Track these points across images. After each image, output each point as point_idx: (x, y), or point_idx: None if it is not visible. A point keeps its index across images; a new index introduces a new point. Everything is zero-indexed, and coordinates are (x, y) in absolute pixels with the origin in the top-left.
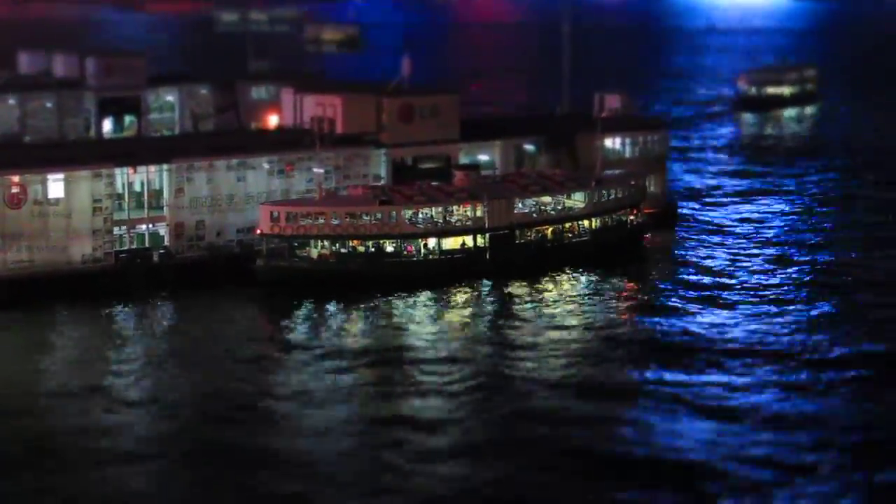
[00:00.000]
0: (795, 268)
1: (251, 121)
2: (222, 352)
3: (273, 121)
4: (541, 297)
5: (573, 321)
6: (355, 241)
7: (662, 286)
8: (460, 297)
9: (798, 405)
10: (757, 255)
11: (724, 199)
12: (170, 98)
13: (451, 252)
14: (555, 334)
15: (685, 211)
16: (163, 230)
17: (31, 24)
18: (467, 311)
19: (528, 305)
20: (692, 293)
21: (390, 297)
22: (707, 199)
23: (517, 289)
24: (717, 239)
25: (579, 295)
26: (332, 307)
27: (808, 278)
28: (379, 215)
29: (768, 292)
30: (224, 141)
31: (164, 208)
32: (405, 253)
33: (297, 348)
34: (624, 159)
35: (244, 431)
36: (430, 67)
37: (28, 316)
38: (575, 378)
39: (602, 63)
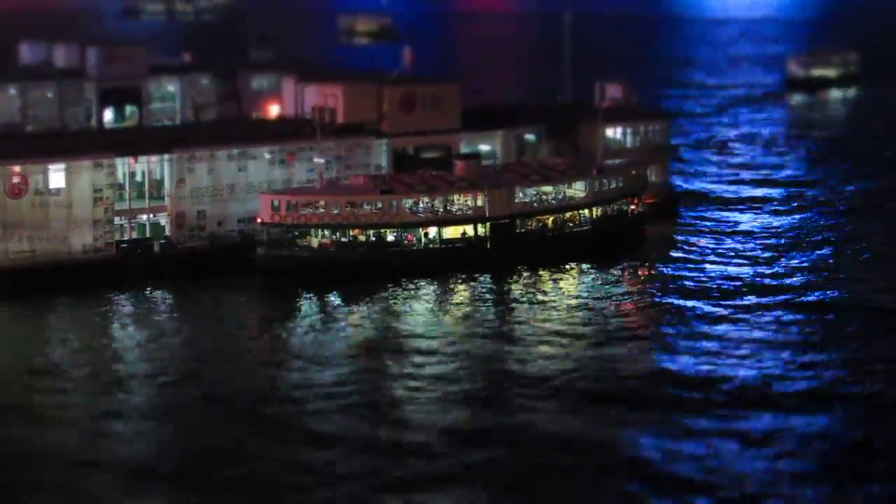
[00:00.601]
0: (797, 262)
1: (252, 110)
2: (223, 341)
3: (274, 110)
4: (541, 286)
5: (573, 311)
6: (356, 231)
7: (662, 276)
8: (460, 287)
9: (798, 410)
10: (761, 248)
11: (738, 189)
12: (171, 88)
13: (452, 241)
14: (555, 325)
15: (704, 199)
16: (164, 220)
17: (32, 14)
18: (467, 301)
19: (529, 295)
20: (692, 284)
21: (391, 287)
22: (722, 189)
23: (517, 278)
24: (720, 229)
25: (579, 284)
26: (332, 296)
27: (811, 273)
28: (380, 204)
29: (770, 284)
30: (225, 131)
31: (166, 198)
32: (406, 242)
33: (297, 338)
34: (625, 149)
35: (245, 423)
36: (430, 57)
37: (29, 306)
38: (574, 370)
39: (608, 53)
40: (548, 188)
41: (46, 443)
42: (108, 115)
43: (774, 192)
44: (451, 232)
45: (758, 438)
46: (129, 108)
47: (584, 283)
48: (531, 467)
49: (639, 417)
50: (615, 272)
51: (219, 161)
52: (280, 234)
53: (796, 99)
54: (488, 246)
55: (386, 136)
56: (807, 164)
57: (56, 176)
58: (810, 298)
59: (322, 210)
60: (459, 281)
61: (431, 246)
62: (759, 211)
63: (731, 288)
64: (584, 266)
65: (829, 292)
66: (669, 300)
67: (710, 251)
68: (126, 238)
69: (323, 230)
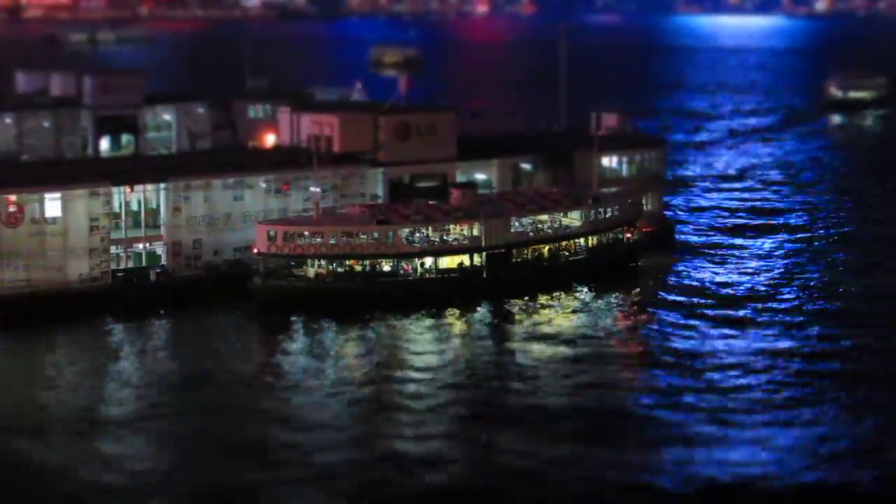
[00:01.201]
0: (794, 291)
1: (248, 139)
2: (218, 371)
3: (270, 139)
4: (537, 315)
5: (569, 341)
6: (352, 261)
7: (657, 305)
8: (457, 317)
9: (795, 423)
10: (758, 274)
11: (735, 217)
12: (167, 117)
13: (448, 271)
14: (551, 353)
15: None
16: (160, 249)
17: (29, 43)
18: (463, 331)
19: (525, 324)
20: (688, 312)
21: (387, 316)
22: (717, 217)
23: (513, 308)
24: (715, 257)
25: (575, 314)
26: (328, 326)
27: (807, 299)
28: (376, 234)
29: (767, 309)
30: (221, 159)
31: (161, 227)
32: (402, 272)
33: (293, 367)
34: (621, 177)
35: (240, 455)
36: (428, 86)
37: (25, 335)
38: (570, 399)
39: (601, 81)
40: (544, 217)
41: (39, 467)
42: (105, 143)
43: (772, 220)
44: (448, 262)
45: (754, 461)
46: (125, 137)
47: (579, 312)
48: (525, 496)
49: (633, 445)
50: (611, 301)
51: (214, 190)
52: (276, 264)
53: (835, 119)
54: (484, 276)
55: (381, 165)
56: (805, 195)
57: (52, 205)
58: (807, 328)
59: (318, 240)
60: (455, 310)
61: (428, 276)
62: (755, 239)
63: (727, 315)
64: (580, 295)
65: (827, 323)
66: (664, 329)
67: (705, 280)
68: (122, 267)
69: (319, 260)
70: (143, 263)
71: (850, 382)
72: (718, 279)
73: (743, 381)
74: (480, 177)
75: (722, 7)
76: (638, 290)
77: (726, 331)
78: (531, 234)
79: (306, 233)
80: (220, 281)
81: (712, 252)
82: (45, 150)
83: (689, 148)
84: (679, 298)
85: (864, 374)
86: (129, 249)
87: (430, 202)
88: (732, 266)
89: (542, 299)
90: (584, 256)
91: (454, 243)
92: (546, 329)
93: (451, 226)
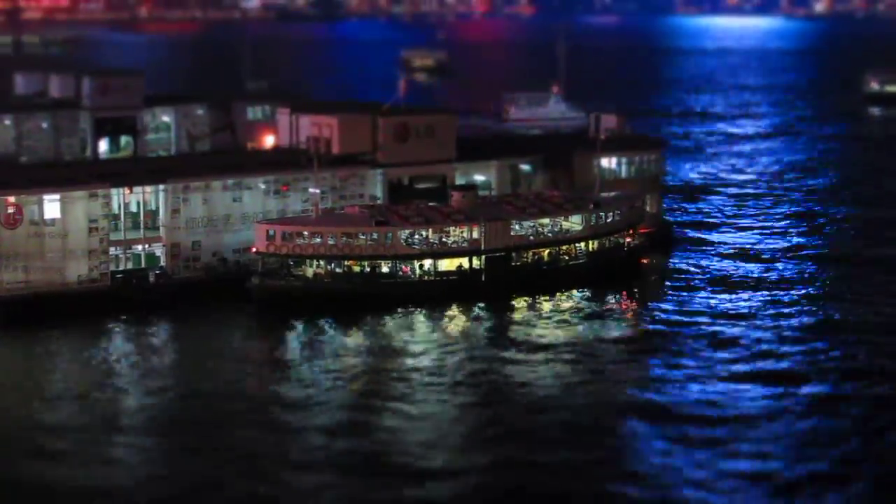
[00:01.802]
0: (795, 290)
1: (247, 141)
2: (217, 372)
3: (269, 141)
4: (536, 318)
5: (568, 345)
6: (351, 261)
7: (657, 308)
8: (455, 319)
9: (801, 429)
10: (758, 276)
11: (735, 217)
12: (166, 118)
13: (447, 274)
14: (548, 359)
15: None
16: (159, 250)
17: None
18: (461, 334)
19: (523, 329)
20: (688, 315)
21: (385, 318)
22: (718, 217)
23: (513, 310)
24: (715, 258)
25: (575, 318)
26: (326, 327)
27: (810, 301)
28: (375, 236)
29: (766, 312)
30: (220, 161)
31: (161, 229)
32: (401, 273)
33: (291, 368)
34: (620, 179)
35: (237, 458)
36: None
37: (24, 336)
38: (569, 401)
39: (600, 81)
40: (544, 221)
41: (37, 469)
42: (103, 145)
43: (772, 220)
44: (447, 264)
45: (755, 466)
46: (124, 139)
47: (579, 315)
48: (525, 494)
49: (631, 447)
50: (611, 304)
51: (213, 191)
52: (275, 264)
53: (874, 112)
54: (483, 279)
55: (381, 167)
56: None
57: (51, 206)
58: (809, 324)
59: (318, 240)
60: (454, 312)
61: (426, 278)
62: (755, 239)
63: (727, 316)
64: (580, 298)
65: (828, 320)
66: (665, 331)
67: (704, 281)
68: (121, 268)
69: (318, 260)
70: (143, 265)
71: (856, 382)
72: (718, 279)
73: (744, 385)
74: (479, 178)
75: (720, 8)
76: (637, 293)
77: (727, 333)
78: (531, 237)
79: (305, 233)
80: (219, 282)
81: (712, 252)
82: (44, 152)
83: (688, 149)
84: (678, 300)
85: (865, 373)
86: (128, 251)
87: (430, 204)
88: (732, 266)
89: (541, 303)
90: (585, 260)
91: (453, 246)
92: (543, 332)
93: (451, 228)
